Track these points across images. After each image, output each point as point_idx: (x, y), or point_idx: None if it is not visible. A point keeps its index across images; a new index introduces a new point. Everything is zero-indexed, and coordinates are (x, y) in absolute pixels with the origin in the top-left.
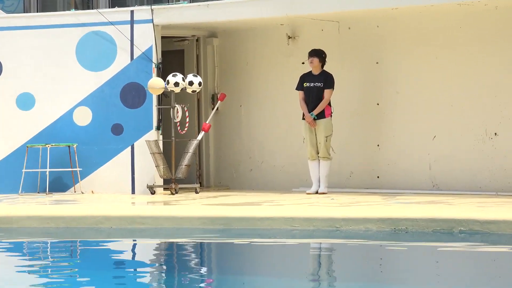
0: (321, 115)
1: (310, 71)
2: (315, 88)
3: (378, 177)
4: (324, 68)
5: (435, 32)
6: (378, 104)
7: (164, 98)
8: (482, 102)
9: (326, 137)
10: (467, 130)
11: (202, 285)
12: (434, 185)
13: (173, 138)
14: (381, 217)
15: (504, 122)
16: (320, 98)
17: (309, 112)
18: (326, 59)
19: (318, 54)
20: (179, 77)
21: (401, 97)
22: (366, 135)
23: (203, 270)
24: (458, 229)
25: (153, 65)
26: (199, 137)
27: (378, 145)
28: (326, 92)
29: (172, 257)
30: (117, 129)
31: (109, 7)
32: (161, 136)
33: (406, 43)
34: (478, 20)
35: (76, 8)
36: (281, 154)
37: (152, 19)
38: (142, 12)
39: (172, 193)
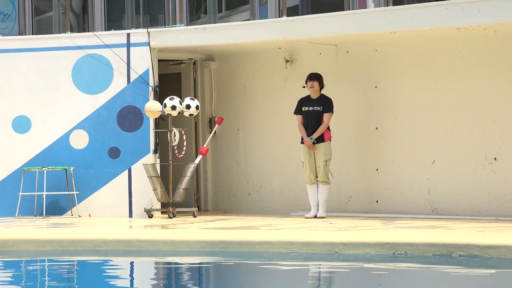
0: (320, 139)
1: (309, 95)
2: (314, 112)
3: (377, 201)
4: (322, 92)
5: (434, 57)
6: (376, 128)
7: (161, 121)
8: (482, 126)
9: (325, 161)
10: (467, 154)
11: None
12: (434, 209)
13: (171, 162)
14: (380, 242)
15: (504, 147)
16: (319, 122)
17: (308, 136)
18: (324, 83)
19: (318, 78)
20: (176, 100)
21: (399, 122)
22: (365, 159)
23: None
24: (458, 254)
25: (150, 88)
26: (197, 160)
27: (377, 170)
28: (326, 116)
29: (170, 280)
30: (114, 153)
31: (105, 30)
32: (159, 159)
33: (405, 67)
34: (477, 45)
35: (72, 31)
36: (279, 178)
37: (149, 42)
38: (138, 35)
39: (169, 217)
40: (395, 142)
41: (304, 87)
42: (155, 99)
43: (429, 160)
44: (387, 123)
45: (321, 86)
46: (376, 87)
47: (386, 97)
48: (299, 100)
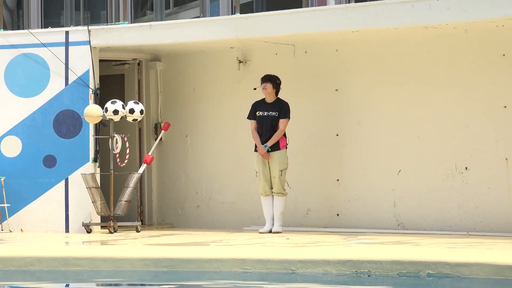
0: (275, 147)
1: (263, 99)
2: (269, 118)
3: (337, 214)
4: (278, 96)
5: (400, 57)
6: (337, 135)
7: (102, 127)
8: (452, 133)
9: (281, 171)
10: (435, 164)
11: None
12: (400, 223)
13: (112, 171)
14: (341, 259)
15: (476, 155)
16: (275, 128)
17: (262, 144)
18: (281, 86)
19: (272, 80)
20: (118, 104)
21: (362, 128)
22: (324, 169)
23: None
24: (426, 272)
25: (90, 91)
26: (141, 170)
27: (337, 180)
28: (282, 122)
29: None
30: (49, 161)
31: (41, 27)
32: (99, 169)
33: (368, 69)
34: (447, 45)
35: (5, 28)
36: (231, 190)
37: (89, 41)
38: (78, 33)
39: (110, 232)
40: (357, 150)
41: (255, 88)
42: (95, 102)
43: (394, 169)
44: (348, 129)
45: (277, 89)
46: (337, 90)
47: (347, 101)
48: (253, 104)
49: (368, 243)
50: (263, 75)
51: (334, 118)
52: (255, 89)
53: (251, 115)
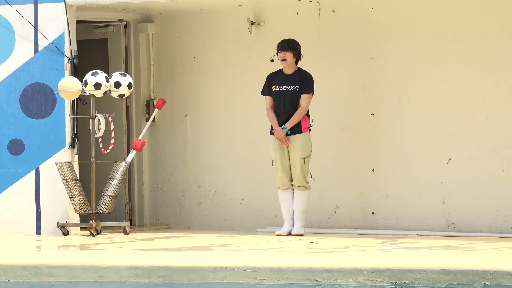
0: (296, 129)
1: (281, 70)
2: (289, 93)
3: (373, 213)
4: (298, 66)
5: (452, 18)
6: (372, 115)
7: (81, 105)
8: None
9: (304, 158)
10: (494, 150)
11: None
12: (450, 224)
13: (93, 160)
14: (377, 268)
15: None
16: (295, 105)
17: (280, 125)
18: (302, 53)
19: (292, 47)
20: (101, 76)
21: (404, 105)
22: (356, 156)
23: None
24: (482, 283)
25: (66, 60)
26: (129, 158)
27: (373, 170)
28: (304, 98)
29: None
30: (15, 147)
31: None
32: (77, 156)
33: (412, 33)
34: (509, 3)
35: None
36: (241, 182)
37: None
38: None
39: (92, 234)
40: (397, 133)
41: (272, 60)
42: (72, 74)
43: (443, 157)
44: (387, 108)
45: (297, 57)
46: (372, 59)
47: (385, 73)
48: (268, 76)
49: (411, 248)
50: (280, 41)
51: (369, 93)
52: (272, 61)
53: (266, 90)
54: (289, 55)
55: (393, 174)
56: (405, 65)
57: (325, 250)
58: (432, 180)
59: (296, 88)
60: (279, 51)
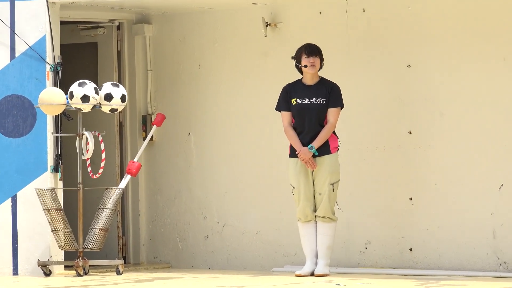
0: (324, 150)
1: (299, 80)
2: (314, 107)
3: (410, 249)
4: (319, 74)
5: (504, 19)
6: (410, 133)
7: (66, 121)
8: None
9: (333, 184)
10: None
11: None
12: (501, 263)
13: (80, 186)
14: None
15: None
16: (322, 122)
17: (304, 145)
18: (328, 61)
19: (320, 52)
20: (89, 87)
21: (447, 122)
22: (391, 182)
23: None
24: None
25: (48, 68)
26: (123, 184)
27: (410, 199)
28: (332, 112)
29: None
30: None
31: None
32: (61, 182)
33: (456, 36)
34: None
35: None
36: (255, 213)
37: None
38: None
39: (79, 274)
40: (439, 154)
41: (293, 58)
42: (55, 85)
43: (494, 184)
44: (427, 125)
45: (321, 65)
46: (409, 66)
47: (425, 83)
48: (285, 88)
49: None
50: (306, 44)
51: (406, 107)
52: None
53: (283, 105)
54: (317, 62)
55: (435, 204)
56: (448, 74)
57: None
58: (481, 210)
59: (323, 100)
60: (305, 56)
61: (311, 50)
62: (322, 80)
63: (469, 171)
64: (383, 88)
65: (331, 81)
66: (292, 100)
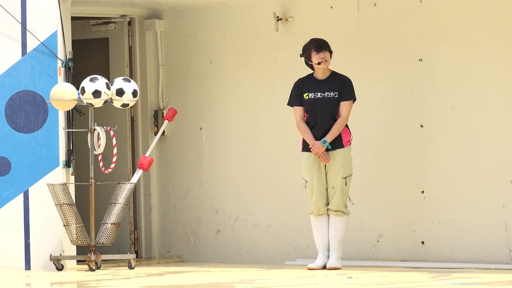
0: (337, 143)
1: (310, 75)
2: (327, 101)
3: (422, 242)
4: (330, 68)
5: None
6: (422, 126)
7: (78, 116)
8: None
9: (346, 178)
10: None
11: None
12: None
13: (92, 181)
14: None
15: None
16: (334, 116)
17: (316, 140)
18: (340, 55)
19: (329, 48)
20: (101, 82)
21: (459, 115)
22: (403, 175)
23: None
24: None
25: (59, 63)
26: (135, 179)
27: (422, 192)
28: (345, 105)
29: None
30: (0, 167)
31: None
32: (73, 177)
33: (469, 29)
34: None
35: None
36: (267, 207)
37: None
38: None
39: (91, 269)
40: (451, 148)
41: (302, 55)
42: (67, 80)
43: (506, 176)
44: (438, 119)
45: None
46: (420, 60)
47: (437, 77)
48: (296, 83)
49: (468, 284)
50: (314, 40)
51: (417, 101)
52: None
53: (295, 100)
54: (328, 56)
55: (446, 197)
56: (459, 67)
57: (366, 286)
58: (492, 203)
59: (335, 94)
60: (315, 51)
61: (320, 45)
62: (334, 74)
63: (480, 164)
64: (394, 82)
65: (343, 75)
66: (304, 95)
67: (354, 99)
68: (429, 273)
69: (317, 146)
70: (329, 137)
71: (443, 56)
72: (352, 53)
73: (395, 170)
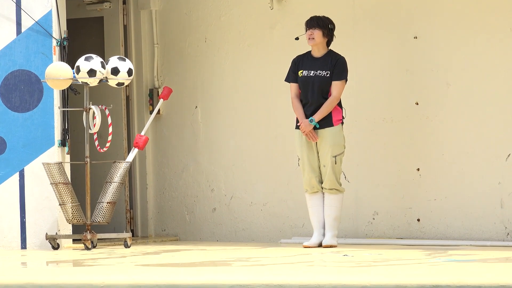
0: (326, 122)
1: (308, 52)
2: (318, 79)
3: (418, 220)
4: (330, 48)
5: None
6: (417, 104)
7: (73, 95)
8: None
9: (335, 157)
10: None
11: None
12: (509, 232)
13: (88, 160)
14: (423, 284)
15: None
16: (326, 94)
17: (308, 117)
18: (335, 33)
19: (322, 25)
20: (96, 61)
21: (454, 92)
22: (398, 153)
23: None
24: None
25: (54, 42)
26: (130, 157)
27: (417, 170)
28: (336, 85)
29: None
30: None
31: None
32: (68, 156)
33: (463, 6)
34: None
35: None
36: (262, 185)
37: None
38: None
39: (87, 248)
40: (446, 125)
41: (297, 38)
42: (62, 59)
43: (501, 153)
44: (433, 96)
45: (329, 37)
46: (416, 38)
47: (432, 54)
48: (294, 60)
49: (463, 261)
50: (308, 18)
51: (412, 78)
52: (297, 39)
53: (291, 76)
54: (318, 34)
55: (442, 174)
56: (454, 44)
57: (361, 264)
58: (488, 180)
59: (327, 73)
60: (307, 29)
61: (311, 23)
62: (329, 53)
63: (476, 141)
64: (390, 60)
65: (338, 54)
66: (299, 72)
67: (346, 79)
68: (425, 250)
69: (305, 124)
70: (317, 116)
71: (438, 33)
72: (348, 31)
73: (391, 147)
